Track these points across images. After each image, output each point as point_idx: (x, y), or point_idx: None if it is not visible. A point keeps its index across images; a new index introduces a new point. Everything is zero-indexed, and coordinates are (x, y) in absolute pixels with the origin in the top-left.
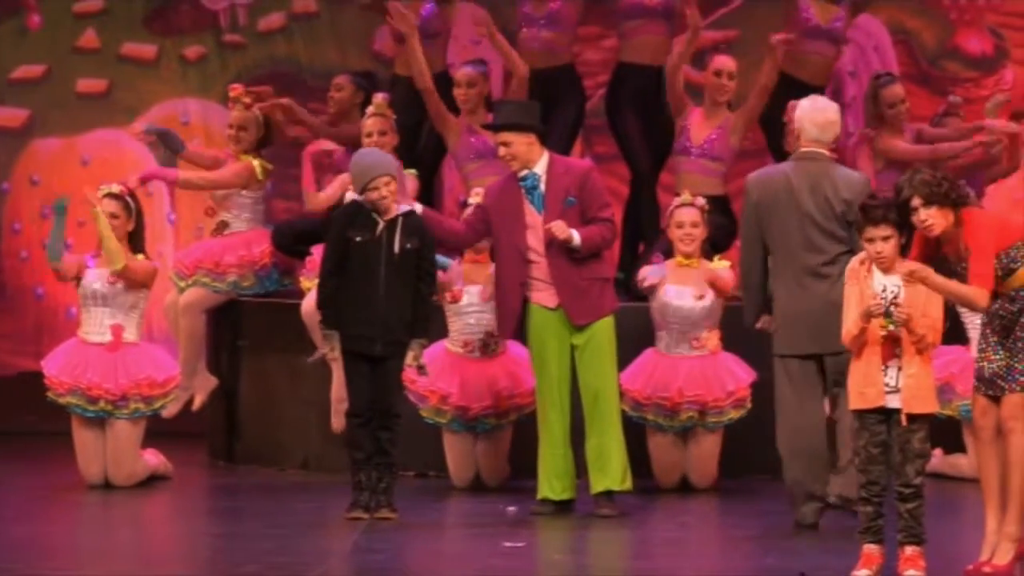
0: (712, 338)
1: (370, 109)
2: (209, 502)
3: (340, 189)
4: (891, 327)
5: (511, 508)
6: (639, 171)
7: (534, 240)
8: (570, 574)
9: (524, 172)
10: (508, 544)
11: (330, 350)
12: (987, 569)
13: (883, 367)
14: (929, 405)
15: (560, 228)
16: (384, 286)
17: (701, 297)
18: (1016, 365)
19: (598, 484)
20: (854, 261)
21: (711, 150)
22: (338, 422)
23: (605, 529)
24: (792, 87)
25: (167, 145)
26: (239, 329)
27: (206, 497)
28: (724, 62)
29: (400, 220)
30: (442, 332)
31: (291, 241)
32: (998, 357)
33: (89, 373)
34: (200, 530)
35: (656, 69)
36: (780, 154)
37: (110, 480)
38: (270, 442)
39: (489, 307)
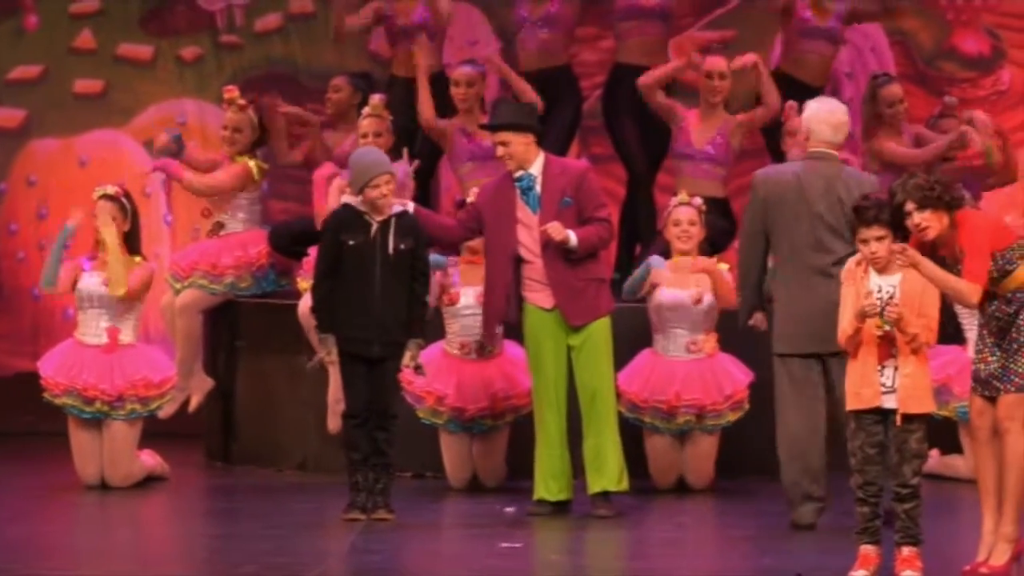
0: (709, 341)
1: (366, 110)
2: (206, 503)
3: (340, 197)
4: (887, 327)
5: (509, 508)
6: (636, 172)
7: (530, 241)
8: (567, 575)
9: (520, 173)
10: (505, 545)
11: (327, 353)
12: (984, 570)
13: (879, 367)
14: (925, 405)
15: (556, 229)
16: (380, 287)
17: (698, 301)
18: (1012, 366)
19: (595, 484)
20: (851, 262)
21: (713, 155)
22: (334, 423)
23: (602, 529)
24: (791, 87)
25: (177, 148)
26: (236, 330)
27: (203, 498)
28: (715, 63)
29: (393, 221)
30: (440, 334)
31: (288, 242)
32: (994, 358)
33: (85, 374)
34: (197, 531)
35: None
36: (778, 154)
37: (107, 481)
38: (267, 443)
39: None
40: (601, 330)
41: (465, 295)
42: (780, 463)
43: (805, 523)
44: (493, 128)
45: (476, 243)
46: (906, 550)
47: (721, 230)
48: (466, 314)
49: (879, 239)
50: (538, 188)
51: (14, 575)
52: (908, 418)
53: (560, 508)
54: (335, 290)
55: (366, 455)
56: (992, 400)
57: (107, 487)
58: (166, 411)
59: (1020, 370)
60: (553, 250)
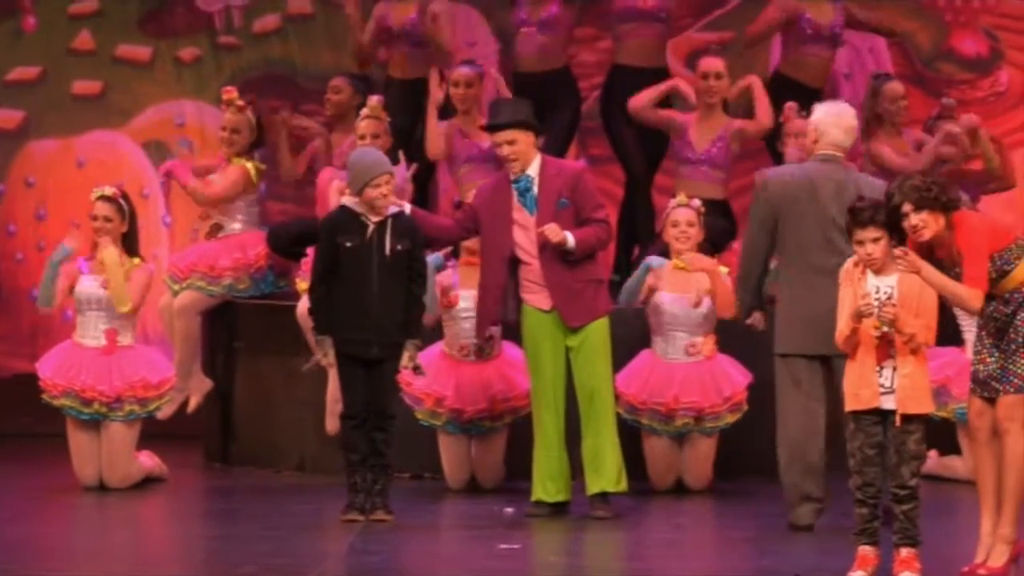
0: (708, 343)
1: (364, 111)
2: (204, 504)
3: (339, 196)
4: (884, 328)
5: (508, 509)
6: (634, 173)
7: (527, 242)
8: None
9: (518, 174)
10: (503, 546)
11: (324, 356)
12: (982, 571)
13: (877, 368)
14: (924, 405)
15: (554, 231)
16: (377, 289)
17: (697, 304)
18: (1010, 367)
19: (593, 485)
20: (848, 263)
21: (712, 158)
22: (332, 424)
23: (600, 531)
24: (791, 89)
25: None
26: (235, 331)
27: (201, 499)
28: (711, 64)
29: (390, 222)
30: (438, 336)
31: (286, 243)
32: (993, 359)
33: (83, 375)
34: (195, 532)
35: (651, 71)
36: (777, 155)
37: (105, 482)
38: (266, 444)
39: None
40: (599, 331)
41: (464, 298)
42: (779, 464)
43: (803, 524)
44: (500, 127)
45: (475, 245)
46: (904, 551)
47: (721, 230)
48: (465, 316)
49: (875, 240)
50: (535, 189)
51: None
52: (907, 419)
53: (558, 509)
54: (333, 292)
55: (364, 456)
56: (991, 401)
57: (105, 488)
58: (164, 412)
59: (1019, 371)
60: (550, 251)
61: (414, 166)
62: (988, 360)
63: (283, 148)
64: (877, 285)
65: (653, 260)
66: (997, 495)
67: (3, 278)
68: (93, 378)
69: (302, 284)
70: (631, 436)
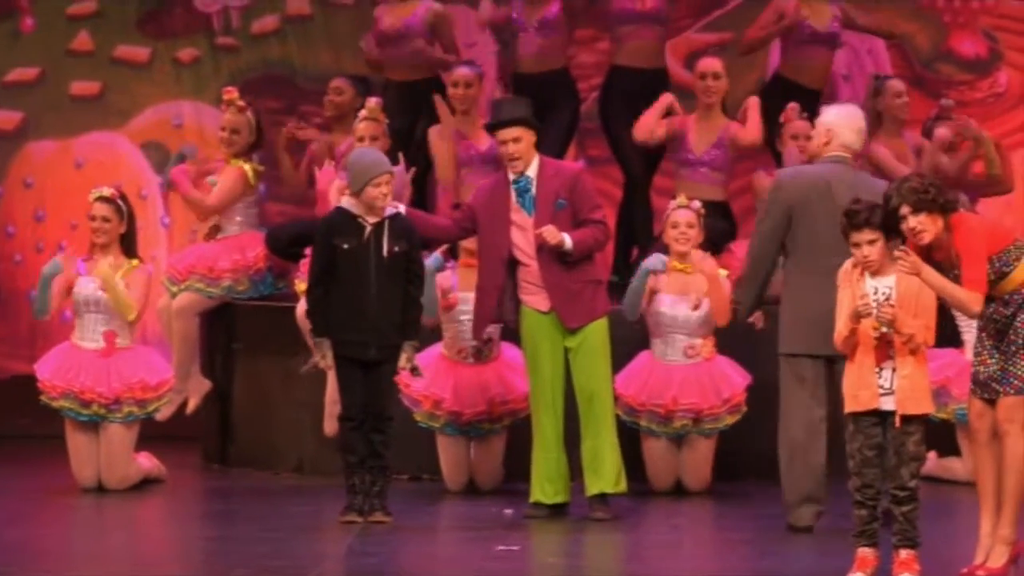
0: (707, 345)
1: (362, 113)
2: (203, 505)
3: (339, 198)
4: (883, 329)
5: (508, 510)
6: (632, 174)
7: (525, 243)
8: None
9: (518, 175)
10: (502, 547)
11: (321, 358)
12: (981, 573)
13: (877, 369)
14: (924, 406)
15: (551, 233)
16: (375, 290)
17: (697, 307)
18: (1011, 368)
19: (592, 486)
20: (847, 264)
21: (712, 161)
22: (331, 426)
23: (599, 532)
24: (791, 90)
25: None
26: (233, 332)
27: (200, 500)
28: (708, 64)
29: (387, 223)
30: (437, 337)
31: (285, 244)
32: (993, 361)
33: (82, 377)
34: (194, 533)
35: (650, 72)
36: (778, 155)
37: (103, 483)
38: (264, 445)
39: None
40: (598, 332)
41: (463, 300)
42: (780, 463)
43: (803, 525)
44: (507, 123)
45: (474, 246)
46: (904, 553)
47: (721, 231)
48: (464, 318)
49: (870, 243)
50: (534, 190)
51: None
52: (906, 420)
53: (557, 511)
54: (330, 294)
55: (362, 458)
56: (991, 402)
57: (104, 490)
58: (163, 413)
59: (1019, 372)
60: (548, 253)
61: (413, 170)
62: (988, 362)
63: (284, 161)
64: (875, 286)
65: (649, 263)
66: (997, 496)
67: (2, 280)
68: (92, 380)
69: (301, 285)
70: (630, 437)
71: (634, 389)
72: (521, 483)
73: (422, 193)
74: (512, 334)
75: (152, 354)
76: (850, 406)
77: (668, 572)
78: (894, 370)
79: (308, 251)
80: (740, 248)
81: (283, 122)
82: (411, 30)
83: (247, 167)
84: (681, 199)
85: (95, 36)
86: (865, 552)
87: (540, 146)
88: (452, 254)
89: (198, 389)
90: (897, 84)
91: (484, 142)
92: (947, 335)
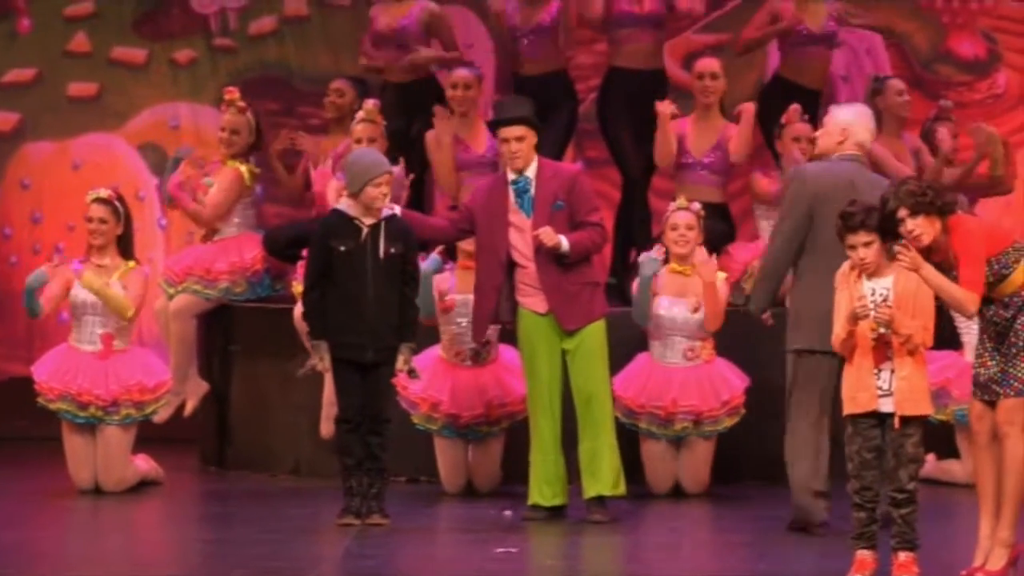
0: (706, 347)
1: (360, 115)
2: (200, 507)
3: (337, 199)
4: (881, 330)
5: (508, 512)
6: (630, 176)
7: (523, 245)
8: None
9: (516, 175)
10: (500, 550)
11: (319, 360)
12: (980, 575)
13: (875, 371)
14: (923, 407)
15: (548, 235)
16: (372, 292)
17: (696, 310)
18: (1011, 370)
19: (590, 489)
20: (844, 266)
21: (711, 164)
22: (328, 428)
23: (597, 535)
24: (791, 91)
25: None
26: (231, 334)
27: (197, 502)
28: (706, 64)
29: (383, 225)
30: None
31: (283, 246)
32: (994, 363)
33: (80, 379)
34: (191, 536)
35: (648, 73)
36: (778, 156)
37: (100, 486)
38: (261, 447)
39: None
40: (596, 334)
41: (461, 302)
42: (787, 462)
43: (818, 520)
44: (513, 121)
45: (472, 247)
46: (902, 555)
47: (720, 233)
48: (462, 320)
49: (867, 245)
50: (532, 191)
51: None
52: (905, 421)
53: (555, 513)
54: (327, 296)
55: (360, 460)
56: (992, 404)
57: (101, 492)
58: (161, 416)
59: (1019, 374)
60: (546, 255)
61: (411, 175)
62: (989, 364)
63: (277, 168)
64: (872, 287)
65: (646, 270)
66: (996, 498)
67: None
68: (89, 382)
69: (298, 287)
70: (629, 440)
71: (633, 391)
72: (519, 485)
73: (419, 194)
74: (510, 336)
75: (149, 356)
76: (849, 408)
77: (667, 575)
78: (892, 371)
79: (305, 252)
80: (738, 250)
81: (281, 124)
82: (407, 30)
83: (243, 168)
84: (681, 201)
85: (92, 37)
86: (864, 554)
87: (539, 147)
88: (450, 256)
89: (195, 391)
90: (898, 83)
91: (482, 145)
92: (946, 337)
